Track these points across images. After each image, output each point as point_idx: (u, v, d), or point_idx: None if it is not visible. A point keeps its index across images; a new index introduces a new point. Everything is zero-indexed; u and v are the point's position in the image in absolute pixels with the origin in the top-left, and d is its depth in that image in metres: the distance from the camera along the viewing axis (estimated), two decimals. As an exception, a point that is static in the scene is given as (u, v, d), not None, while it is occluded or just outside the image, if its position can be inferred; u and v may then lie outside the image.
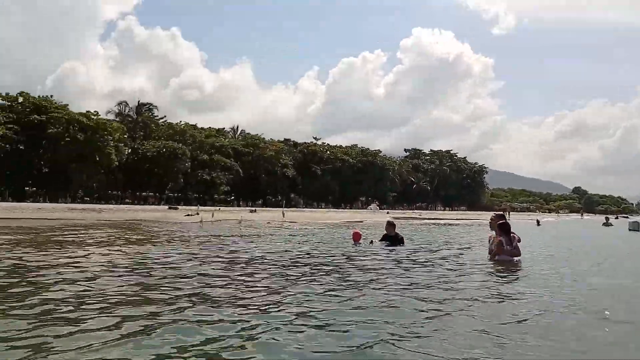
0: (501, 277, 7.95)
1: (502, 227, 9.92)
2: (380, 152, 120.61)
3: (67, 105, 67.92)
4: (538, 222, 44.30)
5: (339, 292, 6.14)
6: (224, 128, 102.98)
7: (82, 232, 17.97)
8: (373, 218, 48.26)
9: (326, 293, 6.03)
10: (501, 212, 11.67)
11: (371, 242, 12.72)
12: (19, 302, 5.21)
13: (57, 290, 5.94)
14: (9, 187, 63.42)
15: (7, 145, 56.79)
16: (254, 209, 52.64)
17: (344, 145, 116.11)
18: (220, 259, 9.66)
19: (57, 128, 60.23)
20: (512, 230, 10.07)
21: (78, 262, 8.82)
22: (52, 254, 10.14)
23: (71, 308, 4.97)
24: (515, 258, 9.76)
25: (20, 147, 60.21)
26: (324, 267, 8.64)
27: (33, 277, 7.06)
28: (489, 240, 10.38)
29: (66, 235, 16.32)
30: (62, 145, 60.28)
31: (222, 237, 16.39)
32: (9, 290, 5.95)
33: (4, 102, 61.44)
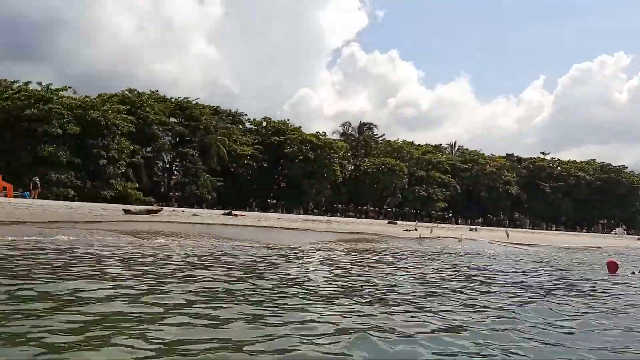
0: None
1: None
2: (626, 167, 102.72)
3: (301, 127, 76.67)
4: None
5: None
6: (440, 144, 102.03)
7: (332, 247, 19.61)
8: (616, 244, 41.24)
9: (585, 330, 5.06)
10: None
11: (632, 272, 10.61)
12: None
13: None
14: (255, 199, 74.31)
15: (254, 164, 66.86)
16: (474, 227, 50.27)
17: (578, 161, 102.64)
18: (448, 274, 9.22)
19: (292, 148, 68.43)
20: None
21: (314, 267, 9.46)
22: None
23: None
24: None
25: (264, 165, 69.99)
26: (577, 298, 7.42)
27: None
28: None
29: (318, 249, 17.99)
30: (297, 162, 68.12)
31: (444, 254, 15.94)
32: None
33: (252, 126, 72.56)
